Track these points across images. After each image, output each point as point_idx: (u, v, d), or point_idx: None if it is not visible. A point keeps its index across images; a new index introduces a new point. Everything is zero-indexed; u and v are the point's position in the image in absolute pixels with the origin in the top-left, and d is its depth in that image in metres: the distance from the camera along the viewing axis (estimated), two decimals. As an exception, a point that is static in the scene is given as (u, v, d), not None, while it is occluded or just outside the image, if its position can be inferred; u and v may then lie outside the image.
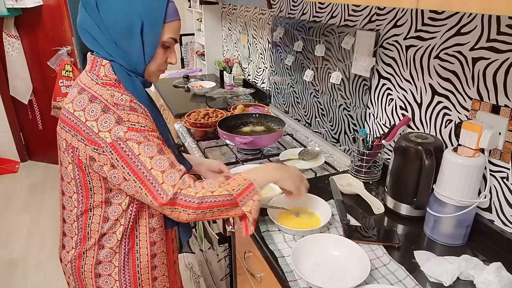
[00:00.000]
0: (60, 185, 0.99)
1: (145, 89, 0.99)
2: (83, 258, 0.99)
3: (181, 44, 3.61)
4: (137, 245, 1.00)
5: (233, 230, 1.37)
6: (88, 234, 0.97)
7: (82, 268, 0.99)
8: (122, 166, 0.85)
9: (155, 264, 1.05)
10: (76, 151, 0.88)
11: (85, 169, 0.89)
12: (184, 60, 3.72)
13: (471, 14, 1.04)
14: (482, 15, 1.01)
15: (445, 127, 1.18)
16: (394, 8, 1.29)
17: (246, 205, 0.92)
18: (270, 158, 1.59)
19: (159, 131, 0.96)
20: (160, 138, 0.93)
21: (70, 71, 3.12)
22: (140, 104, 0.91)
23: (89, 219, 0.96)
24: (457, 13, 1.07)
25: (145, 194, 0.87)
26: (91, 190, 0.92)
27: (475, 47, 1.04)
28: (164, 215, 1.03)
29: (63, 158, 0.93)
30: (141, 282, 1.03)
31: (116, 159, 0.85)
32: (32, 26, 3.15)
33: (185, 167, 0.95)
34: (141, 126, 0.86)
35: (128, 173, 0.86)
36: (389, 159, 1.29)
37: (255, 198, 0.93)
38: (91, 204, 0.94)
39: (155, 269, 1.06)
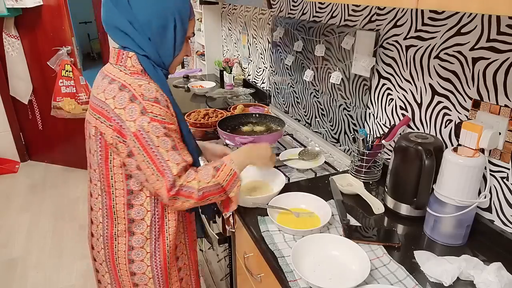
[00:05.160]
0: (88, 172, 1.05)
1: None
2: (115, 245, 1.05)
3: (181, 44, 3.61)
4: (167, 232, 1.08)
5: (233, 230, 1.37)
6: (115, 220, 1.03)
7: (115, 254, 1.06)
8: (143, 154, 0.92)
9: (178, 244, 1.14)
10: (104, 135, 0.95)
11: (110, 155, 0.97)
12: (184, 60, 3.72)
13: (471, 14, 1.04)
14: (482, 15, 1.01)
15: (445, 127, 1.18)
16: (394, 8, 1.29)
17: (232, 191, 1.05)
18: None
19: (178, 120, 1.02)
20: (177, 129, 0.99)
21: (70, 71, 3.11)
22: (163, 94, 0.97)
23: (113, 207, 1.02)
24: (457, 13, 1.07)
25: (160, 182, 0.93)
26: (112, 178, 0.99)
27: (475, 47, 1.04)
28: None
29: (91, 145, 1.00)
30: (169, 265, 1.11)
31: (138, 147, 0.92)
32: (32, 26, 3.14)
33: (195, 155, 1.05)
34: (162, 118, 0.93)
35: (147, 161, 0.92)
36: (389, 159, 1.29)
37: (238, 184, 1.07)
38: (113, 193, 1.01)
39: (176, 248, 1.14)
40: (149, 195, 1.02)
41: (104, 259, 1.08)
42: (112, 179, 0.99)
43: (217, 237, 1.43)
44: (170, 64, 1.05)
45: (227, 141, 1.66)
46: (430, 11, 1.16)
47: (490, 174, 1.06)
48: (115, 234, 1.04)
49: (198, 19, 3.26)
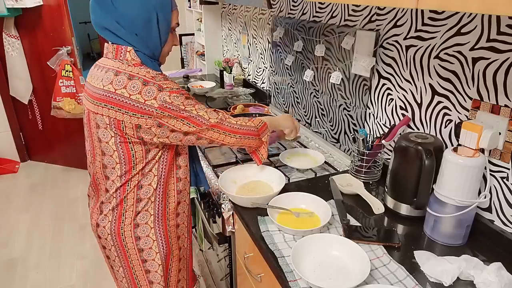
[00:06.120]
0: (100, 160, 1.11)
1: None
2: (123, 214, 1.12)
3: (181, 44, 3.61)
4: (168, 195, 1.16)
5: (233, 230, 1.37)
6: (126, 191, 1.10)
7: (122, 222, 1.12)
8: (174, 118, 1.01)
9: (178, 212, 1.22)
10: (122, 123, 1.00)
11: (129, 139, 1.03)
12: (184, 60, 3.72)
13: (471, 14, 1.04)
14: (482, 15, 1.01)
15: (445, 127, 1.18)
16: (394, 8, 1.29)
17: (264, 136, 1.24)
18: (270, 158, 1.59)
19: None
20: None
21: (70, 71, 3.11)
22: (167, 76, 1.06)
23: (129, 180, 1.09)
24: (457, 13, 1.07)
25: (198, 127, 1.06)
26: (133, 156, 1.06)
27: (475, 47, 1.04)
28: (188, 168, 1.22)
29: (104, 134, 1.05)
30: (169, 228, 1.19)
31: (168, 115, 1.00)
32: (32, 26, 3.14)
33: None
34: (177, 89, 1.03)
35: (181, 120, 1.02)
36: (389, 159, 1.29)
37: (269, 133, 1.27)
38: (134, 168, 1.08)
39: (178, 216, 1.23)
40: (157, 160, 1.10)
41: (109, 232, 1.13)
42: (133, 157, 1.06)
43: (217, 237, 1.43)
44: (160, 55, 1.14)
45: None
46: (430, 11, 1.16)
47: (490, 174, 1.07)
48: (125, 205, 1.11)
49: (198, 19, 3.26)
